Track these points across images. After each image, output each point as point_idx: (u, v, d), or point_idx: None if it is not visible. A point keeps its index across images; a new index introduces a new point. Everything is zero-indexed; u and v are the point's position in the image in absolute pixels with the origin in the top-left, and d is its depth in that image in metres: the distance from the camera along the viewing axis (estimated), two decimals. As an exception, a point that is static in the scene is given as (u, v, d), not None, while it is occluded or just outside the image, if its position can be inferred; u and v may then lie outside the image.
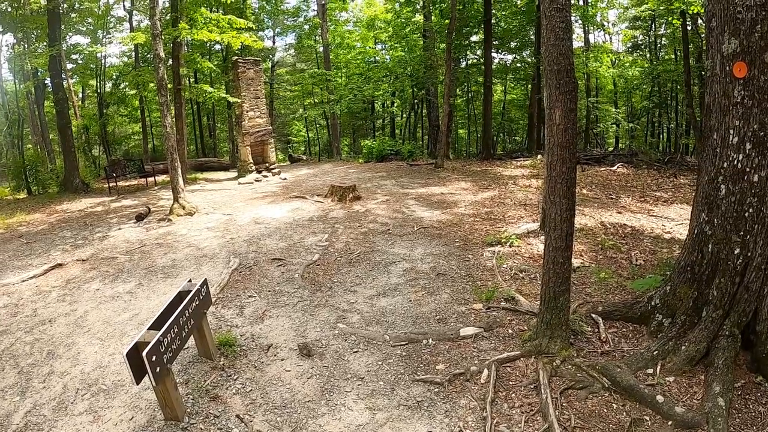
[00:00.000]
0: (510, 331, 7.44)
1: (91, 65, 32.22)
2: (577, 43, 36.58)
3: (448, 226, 12.67)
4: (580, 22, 32.79)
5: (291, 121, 45.88)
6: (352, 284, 9.49)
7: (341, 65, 38.84)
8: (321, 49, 36.86)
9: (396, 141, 28.37)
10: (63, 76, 29.60)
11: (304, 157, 35.56)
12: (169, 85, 25.62)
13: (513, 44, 31.12)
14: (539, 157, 23.46)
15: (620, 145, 36.33)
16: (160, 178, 24.97)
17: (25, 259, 12.64)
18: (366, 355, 7.08)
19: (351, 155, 33.86)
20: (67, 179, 24.11)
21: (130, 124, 41.40)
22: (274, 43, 42.57)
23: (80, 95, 38.93)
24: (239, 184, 22.22)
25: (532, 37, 29.57)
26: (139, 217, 15.80)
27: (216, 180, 24.76)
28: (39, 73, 26.49)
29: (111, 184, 22.87)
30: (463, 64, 33.97)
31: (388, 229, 12.51)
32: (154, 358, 5.20)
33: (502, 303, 8.27)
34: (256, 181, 22.54)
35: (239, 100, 23.30)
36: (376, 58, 37.76)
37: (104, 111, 35.26)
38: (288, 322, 8.14)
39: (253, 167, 23.75)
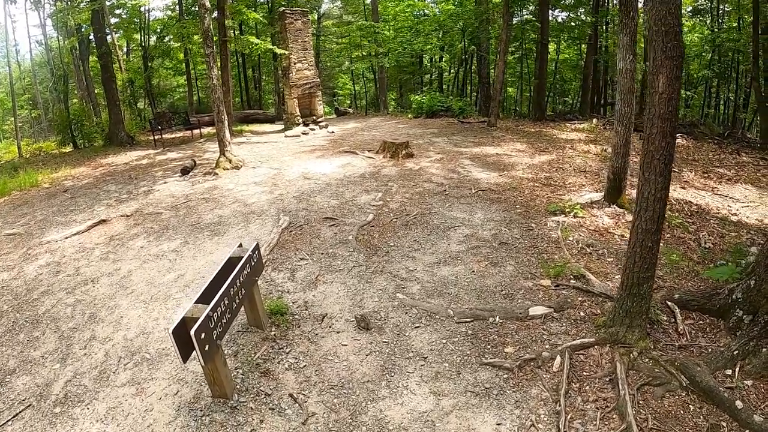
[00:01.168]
0: (582, 314, 6.79)
1: (135, 19, 31.62)
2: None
3: (506, 189, 11.91)
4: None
5: (337, 74, 44.93)
6: (410, 249, 8.89)
7: (389, 18, 37.59)
8: (369, 0, 35.70)
9: (446, 97, 27.28)
10: (107, 31, 29.29)
11: (351, 111, 34.83)
12: (214, 38, 25.15)
13: (570, 0, 29.54)
14: (594, 121, 22.52)
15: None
16: (206, 130, 24.62)
17: (70, 215, 12.35)
18: (428, 332, 6.52)
19: (398, 110, 32.96)
20: (112, 132, 23.96)
21: (175, 77, 41.06)
22: (321, -7, 41.71)
23: (125, 49, 38.73)
24: (286, 137, 21.67)
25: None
26: (185, 171, 15.39)
27: (262, 132, 24.24)
28: (83, 29, 26.09)
29: (156, 137, 22.58)
30: (516, 20, 32.44)
31: (444, 190, 11.81)
32: (203, 336, 4.73)
33: (571, 281, 7.58)
34: (303, 134, 21.95)
35: (286, 52, 22.55)
36: (425, 11, 36.39)
37: (149, 64, 34.90)
38: (343, 290, 7.62)
39: (300, 120, 23.13)
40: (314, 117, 23.62)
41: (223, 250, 9.20)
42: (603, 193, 11.02)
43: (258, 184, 13.41)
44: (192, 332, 4.56)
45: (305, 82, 23.08)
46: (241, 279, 5.79)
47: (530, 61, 33.96)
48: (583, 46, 32.16)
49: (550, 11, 29.04)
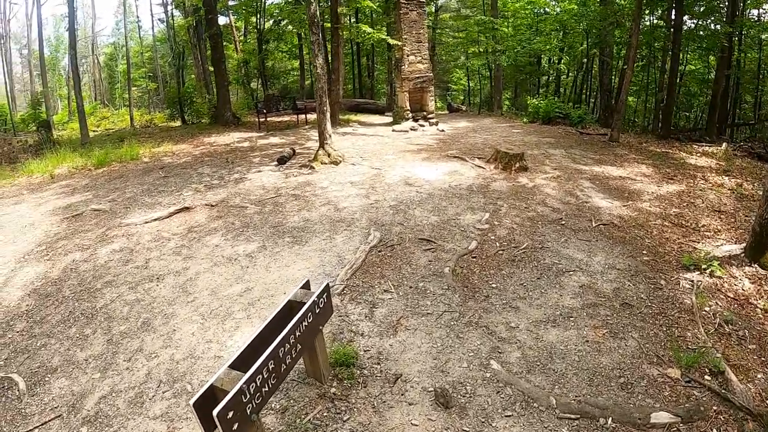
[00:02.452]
0: (714, 432, 5.07)
1: (253, 3, 31.21)
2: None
3: (631, 226, 10.17)
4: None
5: (452, 68, 43.31)
6: (515, 296, 7.40)
7: (508, 14, 35.68)
8: (490, -2, 33.92)
9: (565, 103, 25.12)
10: (223, 12, 29.04)
11: (464, 108, 33.25)
12: (326, 24, 24.19)
13: (700, 8, 26.39)
14: (725, 146, 19.92)
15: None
16: (312, 116, 23.76)
17: (157, 196, 11.69)
18: (521, 425, 5.05)
19: (512, 111, 31.04)
20: (219, 112, 23.58)
21: (290, 60, 40.86)
22: (438, -15, 40.28)
23: (242, 31, 39.21)
24: (393, 131, 20.46)
25: None
26: (281, 161, 14.49)
27: (369, 124, 23.14)
28: (201, 10, 25.74)
29: (261, 120, 21.83)
30: (646, 24, 29.65)
31: (560, 218, 10.22)
32: (230, 415, 3.67)
33: (706, 377, 5.81)
34: (411, 129, 20.67)
35: (400, 43, 21.28)
36: (546, 9, 34.13)
37: (264, 47, 34.54)
38: (427, 342, 6.29)
39: (410, 114, 21.85)
40: (425, 112, 22.27)
41: (300, 264, 8.20)
42: (743, 246, 9.07)
43: (354, 184, 12.26)
44: (215, 413, 3.49)
45: (417, 75, 21.74)
46: (299, 333, 4.66)
47: (654, 70, 31.13)
48: (711, 57, 29.17)
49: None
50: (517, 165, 13.08)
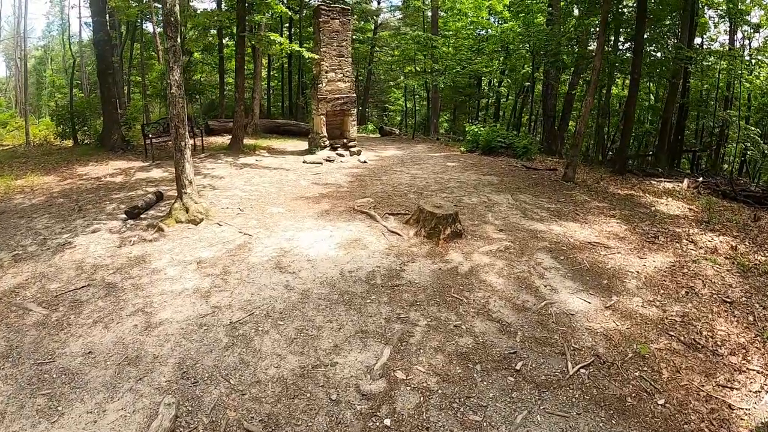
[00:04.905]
0: None
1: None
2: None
3: (629, 364, 5.61)
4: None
5: (390, 88, 38.69)
6: None
7: (449, 34, 31.50)
8: (429, 13, 29.51)
9: (506, 129, 20.55)
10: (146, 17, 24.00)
11: (397, 131, 28.56)
12: (228, 31, 19.22)
13: (662, 29, 22.81)
14: (686, 182, 16.41)
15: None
16: (222, 139, 18.94)
17: None
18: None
19: (450, 138, 26.42)
20: (106, 134, 18.21)
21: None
22: (379, 2, 36.00)
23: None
24: (304, 162, 15.76)
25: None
26: (132, 213, 9.81)
27: (281, 151, 18.29)
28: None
29: (151, 144, 16.70)
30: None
31: (514, 353, 5.58)
32: None
33: None
34: (326, 161, 16.00)
35: (316, 57, 16.59)
36: (489, 30, 29.92)
37: (189, 58, 29.38)
38: None
39: (327, 141, 17.21)
40: (345, 139, 17.64)
41: None
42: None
43: (201, 267, 7.50)
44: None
45: (337, 96, 17.09)
46: None
47: (599, 96, 27.27)
48: (653, 85, 25.87)
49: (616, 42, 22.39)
50: (448, 231, 8.43)
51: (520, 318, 6.26)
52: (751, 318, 6.97)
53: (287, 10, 17.66)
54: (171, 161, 15.26)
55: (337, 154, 16.75)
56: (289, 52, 17.73)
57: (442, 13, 31.05)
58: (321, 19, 16.73)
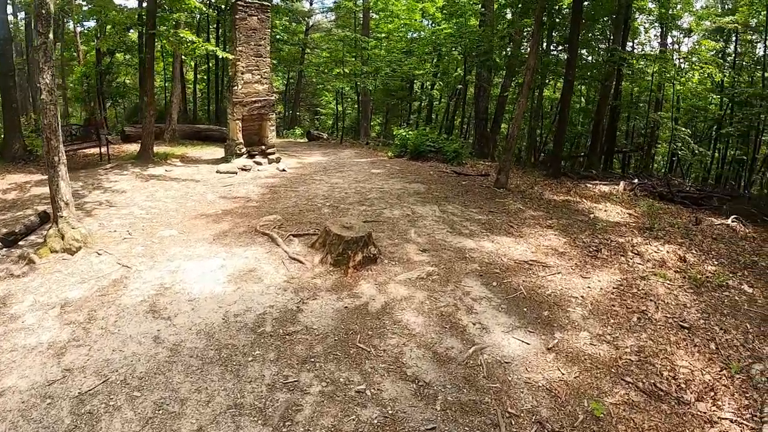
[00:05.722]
0: None
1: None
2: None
3: (578, 427, 4.29)
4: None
5: (321, 91, 36.97)
6: None
7: (382, 36, 30.12)
8: (361, 15, 28.08)
9: (437, 133, 19.10)
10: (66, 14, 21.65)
11: (325, 136, 26.81)
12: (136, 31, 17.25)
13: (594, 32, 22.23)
14: (622, 185, 15.46)
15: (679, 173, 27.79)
16: (135, 147, 17.02)
17: None
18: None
19: (380, 142, 24.84)
20: (6, 143, 15.77)
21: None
22: (311, 3, 34.33)
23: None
24: (217, 172, 13.99)
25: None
26: (7, 241, 8.06)
27: (195, 160, 16.40)
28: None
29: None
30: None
31: (433, 425, 4.13)
32: None
33: None
34: (241, 170, 14.29)
35: (231, 57, 14.88)
36: (422, 33, 28.67)
37: (110, 59, 27.04)
38: None
39: (244, 149, 15.45)
40: (263, 146, 15.89)
41: None
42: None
43: (64, 312, 5.81)
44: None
45: (255, 99, 15.40)
46: None
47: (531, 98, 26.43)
48: (584, 88, 25.27)
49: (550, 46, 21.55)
50: (359, 258, 6.90)
51: (442, 374, 4.81)
52: (712, 345, 5.85)
53: (201, 5, 15.75)
54: (75, 173, 13.31)
55: (254, 162, 15.05)
56: (203, 52, 15.90)
57: (375, 15, 29.77)
58: (238, 16, 14.98)
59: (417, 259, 7.45)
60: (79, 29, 28.15)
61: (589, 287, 7.09)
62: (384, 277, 6.76)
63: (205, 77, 32.41)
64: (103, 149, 15.43)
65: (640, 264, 8.21)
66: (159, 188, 12.10)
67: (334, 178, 13.45)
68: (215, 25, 28.75)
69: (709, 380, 5.13)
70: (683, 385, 5.00)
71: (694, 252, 9.09)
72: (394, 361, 4.96)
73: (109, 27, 24.34)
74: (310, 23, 35.09)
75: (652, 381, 5.00)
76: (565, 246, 8.71)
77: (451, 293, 6.44)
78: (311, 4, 34.90)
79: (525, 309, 6.20)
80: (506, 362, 5.06)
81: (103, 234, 8.46)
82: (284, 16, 29.78)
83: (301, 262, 7.02)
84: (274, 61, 31.03)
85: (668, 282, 7.49)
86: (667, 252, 8.89)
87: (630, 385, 4.91)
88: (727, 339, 5.98)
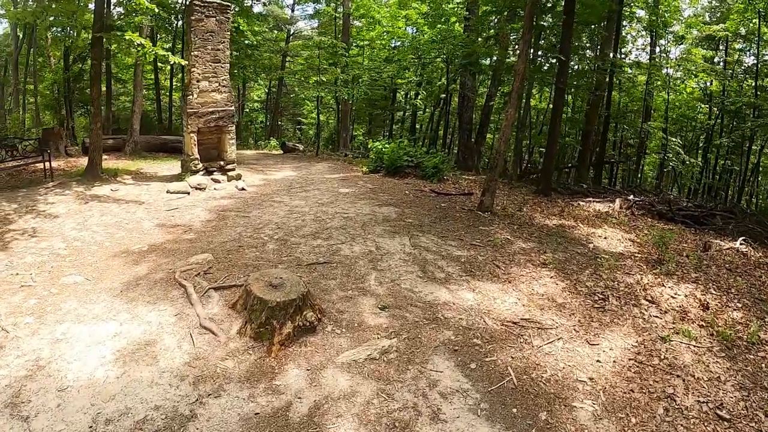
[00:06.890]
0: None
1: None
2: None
3: None
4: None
5: (303, 100, 34.94)
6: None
7: (364, 44, 28.30)
8: (342, 21, 26.18)
9: (417, 149, 17.11)
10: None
11: (301, 147, 24.70)
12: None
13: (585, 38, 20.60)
14: (617, 203, 13.93)
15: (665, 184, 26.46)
16: (79, 162, 15.07)
17: None
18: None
19: (359, 154, 22.77)
20: None
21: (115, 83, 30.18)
22: (293, 11, 32.57)
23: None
24: (168, 192, 12.00)
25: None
26: None
27: (149, 177, 14.36)
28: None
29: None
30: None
31: None
32: None
33: None
34: (195, 189, 12.35)
35: (185, 63, 12.94)
36: (405, 42, 26.78)
37: (80, 66, 25.08)
38: None
39: (200, 165, 13.43)
40: (222, 162, 13.89)
41: None
42: None
43: None
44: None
45: (212, 110, 13.43)
46: None
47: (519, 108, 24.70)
48: (570, 98, 23.62)
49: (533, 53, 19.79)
50: (287, 329, 4.88)
51: None
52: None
53: (154, 6, 13.61)
54: (10, 193, 11.36)
55: (211, 179, 13.06)
56: (152, 57, 13.84)
57: (357, 23, 27.99)
58: (194, 17, 13.02)
59: (372, 323, 5.49)
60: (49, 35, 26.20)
61: (599, 361, 5.18)
62: (321, 358, 4.77)
63: (165, 84, 30.40)
64: (47, 164, 13.41)
65: (657, 317, 6.33)
66: (95, 213, 10.09)
67: (296, 199, 11.48)
68: (176, 31, 26.77)
69: None
70: None
71: (714, 292, 7.28)
72: None
73: (83, 33, 22.48)
74: (292, 30, 33.21)
75: None
76: (564, 294, 6.79)
77: (411, 384, 4.47)
78: (293, 11, 33.02)
79: (513, 411, 4.25)
80: None
81: (2, 279, 6.49)
82: (261, 22, 27.83)
83: (213, 333, 5.02)
84: (258, 69, 29.22)
85: (694, 344, 5.64)
86: (686, 296, 7.04)
87: None
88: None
